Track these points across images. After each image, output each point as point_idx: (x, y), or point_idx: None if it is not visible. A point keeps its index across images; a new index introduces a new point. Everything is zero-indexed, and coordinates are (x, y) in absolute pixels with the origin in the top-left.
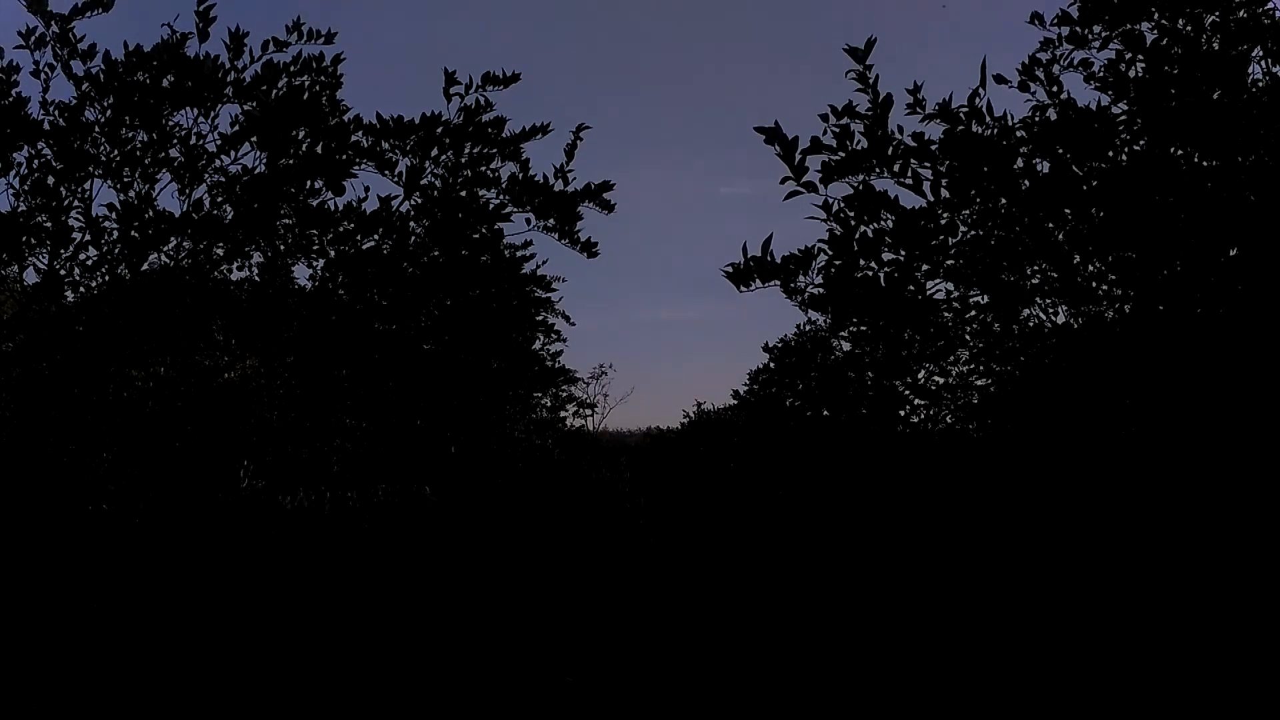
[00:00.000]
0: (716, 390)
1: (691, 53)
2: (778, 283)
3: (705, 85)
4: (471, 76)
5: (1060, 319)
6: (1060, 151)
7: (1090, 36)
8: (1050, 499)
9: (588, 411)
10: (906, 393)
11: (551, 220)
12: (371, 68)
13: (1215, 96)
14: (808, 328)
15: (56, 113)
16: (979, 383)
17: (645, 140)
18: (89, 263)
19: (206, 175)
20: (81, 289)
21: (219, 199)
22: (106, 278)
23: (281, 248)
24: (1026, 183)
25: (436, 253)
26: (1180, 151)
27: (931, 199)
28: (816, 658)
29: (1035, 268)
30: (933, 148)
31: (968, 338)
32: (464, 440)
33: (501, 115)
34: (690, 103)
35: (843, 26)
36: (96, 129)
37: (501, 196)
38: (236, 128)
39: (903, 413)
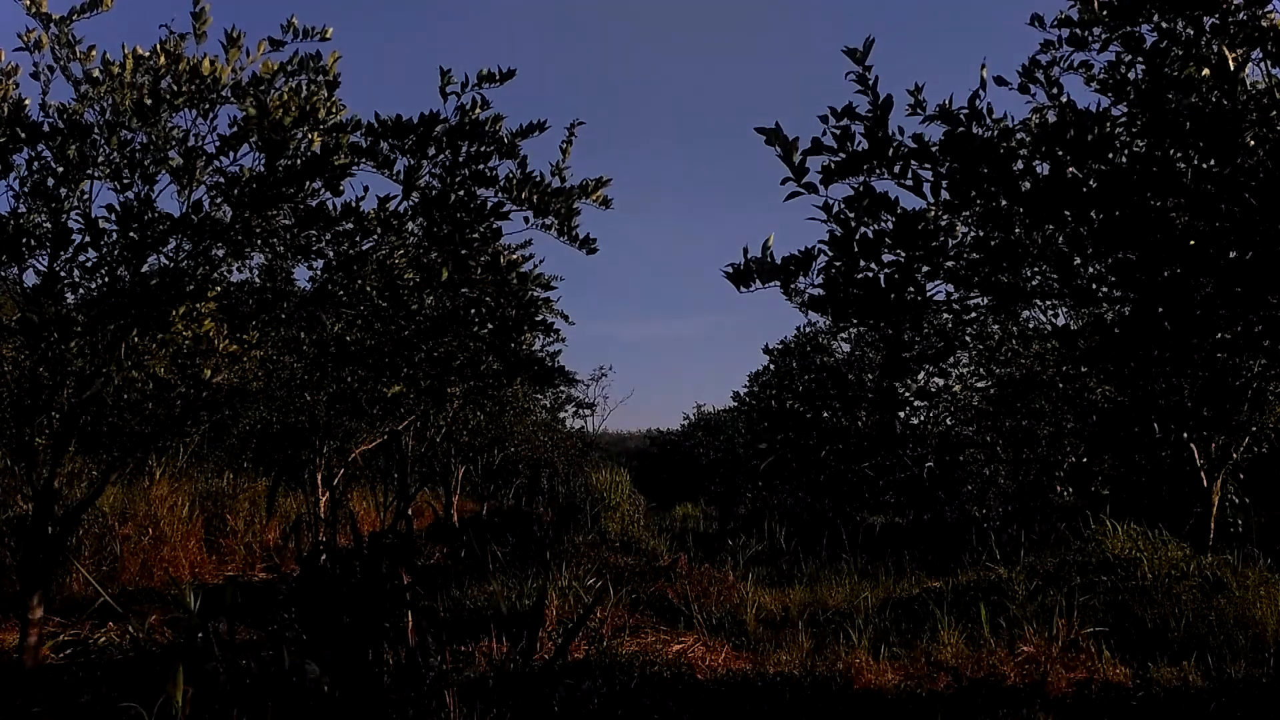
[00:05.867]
0: (717, 392)
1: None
2: (778, 283)
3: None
4: (467, 74)
5: (1060, 320)
6: (1060, 153)
7: (1090, 39)
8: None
9: (586, 412)
10: (906, 394)
11: (550, 218)
12: (370, 67)
13: (1215, 99)
14: (808, 329)
15: (56, 115)
16: (979, 385)
17: (649, 152)
18: (89, 264)
19: (205, 176)
20: (81, 290)
21: (218, 200)
22: (106, 279)
23: (281, 249)
24: (1026, 184)
25: (435, 254)
26: (1179, 154)
27: (931, 200)
28: None
29: (1035, 269)
30: (933, 149)
31: (968, 339)
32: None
33: (498, 113)
34: (693, 105)
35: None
36: (96, 131)
37: (500, 195)
38: (235, 129)
39: (902, 414)
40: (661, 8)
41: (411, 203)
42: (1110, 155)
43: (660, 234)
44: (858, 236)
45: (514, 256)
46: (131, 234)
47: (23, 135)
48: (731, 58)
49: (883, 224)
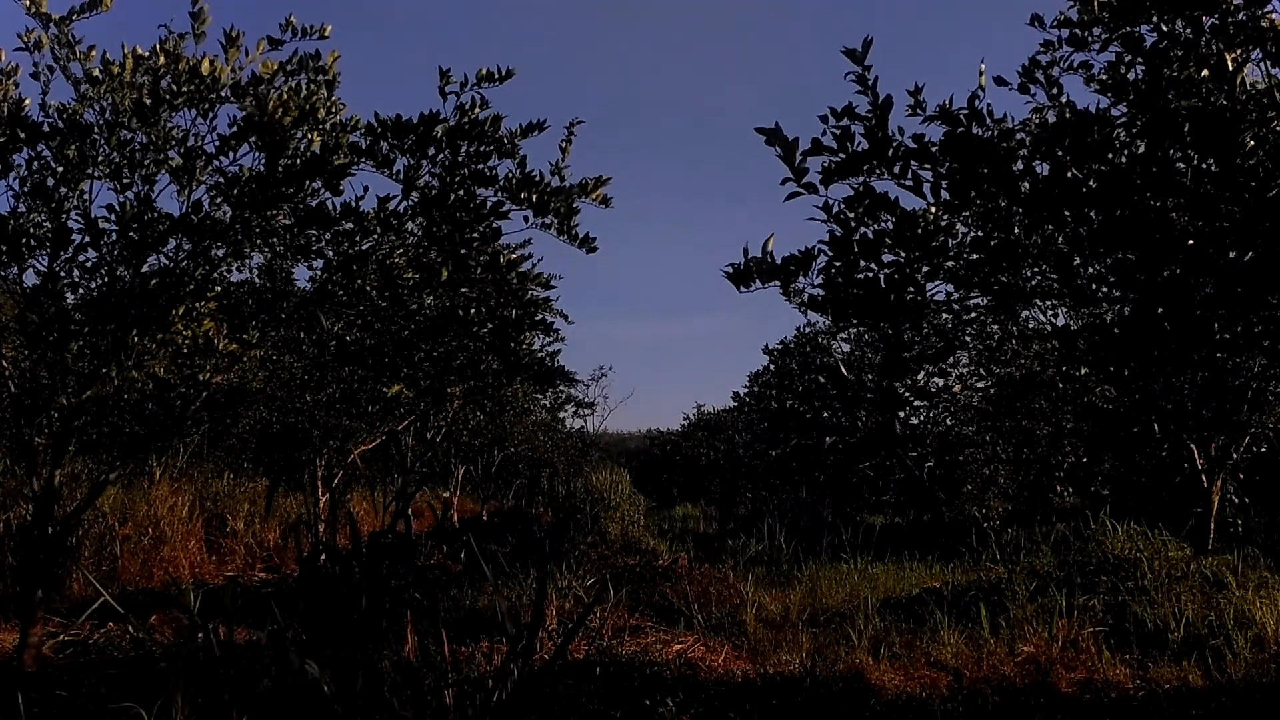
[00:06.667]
0: (717, 393)
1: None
2: (778, 283)
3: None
4: (467, 74)
5: (1060, 320)
6: (1060, 153)
7: (1090, 39)
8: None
9: (586, 412)
10: (906, 394)
11: (550, 217)
12: (370, 67)
13: (1214, 99)
14: (807, 330)
15: (56, 115)
16: (979, 385)
17: (648, 155)
18: (89, 264)
19: (205, 176)
20: (81, 290)
21: (217, 200)
22: (106, 279)
23: (280, 248)
24: (1026, 185)
25: (435, 254)
26: (1179, 154)
27: (931, 200)
28: None
29: (1035, 269)
30: (933, 149)
31: (968, 339)
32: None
33: (498, 113)
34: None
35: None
36: (95, 131)
37: (500, 194)
38: (234, 128)
39: (902, 414)
40: (656, 7)
41: (411, 202)
42: (1110, 155)
43: (660, 235)
44: (857, 236)
45: (513, 256)
46: (131, 234)
47: (23, 135)
48: (728, 59)
49: (883, 224)
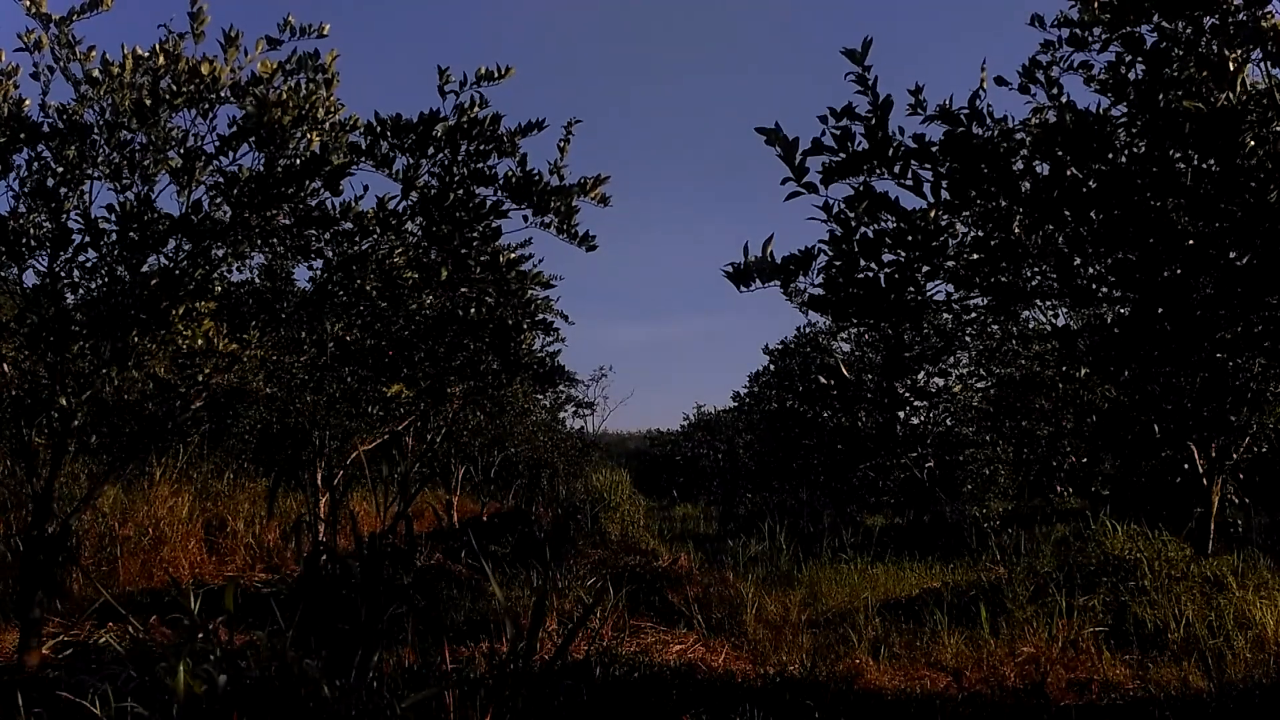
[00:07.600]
0: (718, 393)
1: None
2: (778, 283)
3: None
4: (466, 73)
5: (1060, 321)
6: (1060, 153)
7: (1090, 39)
8: None
9: (586, 412)
10: (906, 394)
11: (550, 215)
12: (369, 66)
13: (1214, 99)
14: (807, 330)
15: (56, 115)
16: (979, 385)
17: (646, 155)
18: (89, 264)
19: (205, 176)
20: (81, 290)
21: (217, 200)
22: (106, 279)
23: (280, 248)
24: (1026, 184)
25: (434, 253)
26: (1179, 154)
27: (931, 200)
28: None
29: (1035, 269)
30: (933, 149)
31: (968, 339)
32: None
33: (497, 112)
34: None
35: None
36: (95, 131)
37: (499, 193)
38: (234, 129)
39: (902, 414)
40: (656, 6)
41: (410, 202)
42: (1110, 155)
43: (660, 235)
44: (857, 236)
45: (513, 255)
46: (131, 234)
47: (23, 135)
48: (730, 58)
49: (883, 224)
